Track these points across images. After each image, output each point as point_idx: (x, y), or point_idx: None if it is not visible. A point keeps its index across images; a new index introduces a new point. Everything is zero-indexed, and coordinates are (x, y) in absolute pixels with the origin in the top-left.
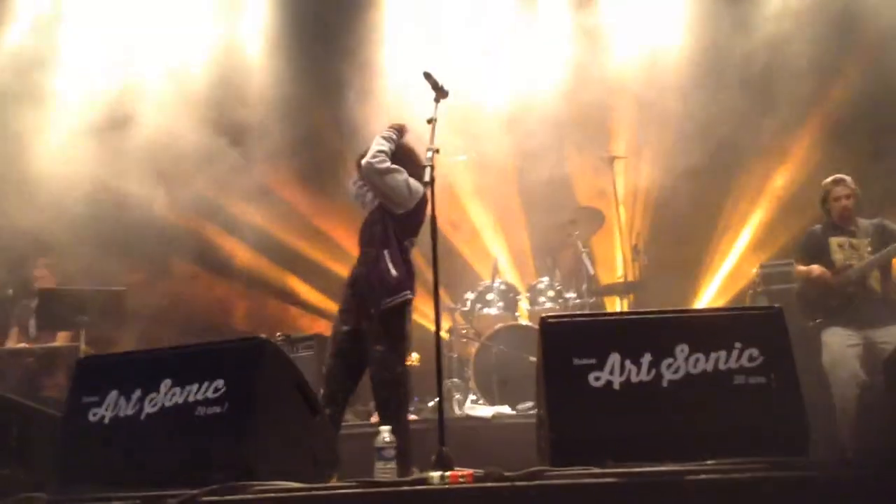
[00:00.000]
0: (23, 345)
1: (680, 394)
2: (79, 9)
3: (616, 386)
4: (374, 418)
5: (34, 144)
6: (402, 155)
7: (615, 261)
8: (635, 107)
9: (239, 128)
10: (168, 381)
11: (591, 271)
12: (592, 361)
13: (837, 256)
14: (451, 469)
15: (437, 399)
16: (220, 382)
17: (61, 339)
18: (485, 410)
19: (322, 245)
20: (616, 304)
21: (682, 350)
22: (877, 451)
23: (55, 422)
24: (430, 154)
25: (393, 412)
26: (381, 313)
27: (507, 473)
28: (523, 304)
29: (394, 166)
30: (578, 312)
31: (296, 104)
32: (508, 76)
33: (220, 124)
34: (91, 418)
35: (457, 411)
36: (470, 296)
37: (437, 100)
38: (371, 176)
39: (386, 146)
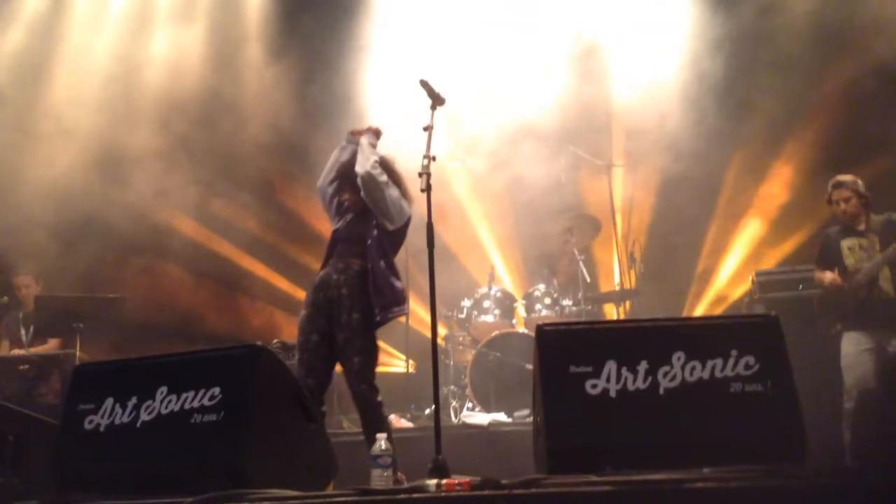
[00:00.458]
0: (17, 352)
1: (676, 402)
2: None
3: (612, 394)
4: None
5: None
6: (385, 168)
7: (612, 268)
8: (633, 114)
9: (226, 130)
10: (164, 389)
11: (588, 279)
12: (589, 369)
13: (849, 261)
14: (448, 477)
15: (433, 407)
16: (216, 390)
17: (52, 346)
18: (481, 418)
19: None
20: (613, 312)
21: (678, 358)
22: (872, 458)
23: (51, 429)
24: (426, 162)
25: (377, 418)
26: (366, 328)
27: (503, 481)
28: (520, 312)
29: (388, 180)
30: (575, 320)
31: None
32: (506, 83)
33: (206, 127)
34: (87, 426)
35: (453, 419)
36: (466, 303)
37: (433, 107)
38: (371, 186)
39: (377, 156)
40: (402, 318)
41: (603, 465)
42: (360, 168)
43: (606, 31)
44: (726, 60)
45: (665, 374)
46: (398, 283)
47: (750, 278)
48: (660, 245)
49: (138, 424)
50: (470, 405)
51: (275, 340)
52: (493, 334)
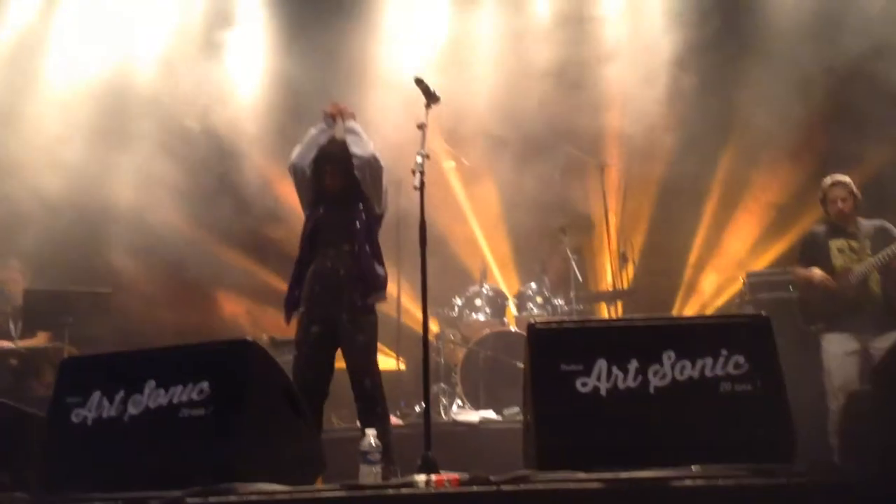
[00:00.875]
0: (5, 345)
1: (666, 400)
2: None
3: (603, 392)
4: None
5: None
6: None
7: (604, 268)
8: (626, 113)
9: (224, 128)
10: (152, 383)
11: (580, 278)
12: (579, 367)
13: (837, 262)
14: (437, 473)
15: (423, 404)
16: (204, 384)
17: (42, 339)
18: (471, 416)
19: None
20: (604, 312)
21: (668, 357)
22: (861, 458)
23: (39, 422)
24: (420, 159)
25: (380, 402)
26: (363, 307)
27: (492, 478)
28: (511, 310)
29: (381, 170)
30: (566, 319)
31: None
32: (497, 81)
33: (203, 123)
34: (74, 419)
35: (443, 417)
36: (458, 301)
37: (428, 105)
38: (374, 170)
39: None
40: (395, 301)
41: (592, 462)
42: (362, 151)
43: (601, 20)
44: (715, 60)
45: (655, 373)
46: (381, 270)
47: (741, 279)
48: (652, 245)
49: (125, 418)
50: (460, 403)
51: (264, 335)
52: (485, 332)
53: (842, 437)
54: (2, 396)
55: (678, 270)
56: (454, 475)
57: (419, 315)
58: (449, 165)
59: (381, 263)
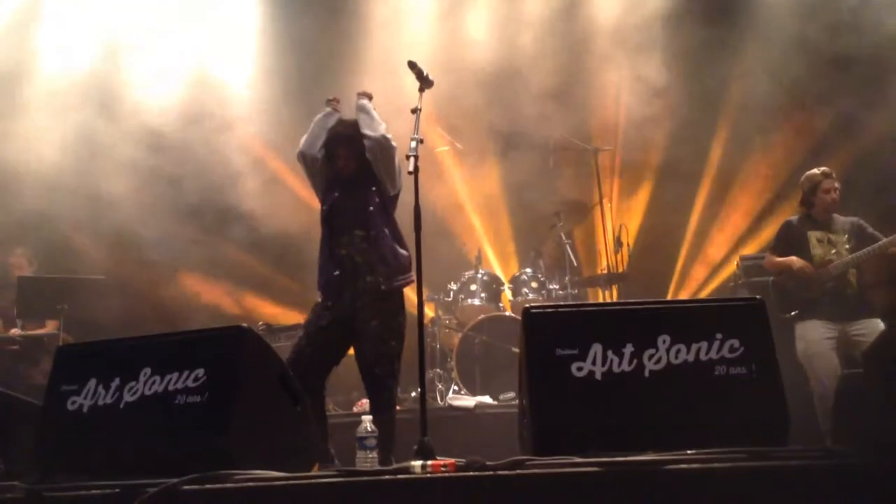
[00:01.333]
0: (15, 331)
1: (661, 384)
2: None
3: (598, 376)
4: (357, 408)
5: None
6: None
7: (599, 252)
8: (620, 99)
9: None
10: (147, 370)
11: (575, 263)
12: (575, 352)
13: (817, 251)
14: (433, 458)
15: (419, 389)
16: (200, 371)
17: (50, 327)
18: (467, 401)
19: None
20: (599, 296)
21: (663, 341)
22: (855, 440)
23: (34, 410)
24: (414, 144)
25: (389, 390)
26: (386, 292)
27: (488, 463)
28: (507, 295)
29: (393, 143)
30: (561, 303)
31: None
32: (492, 66)
33: (201, 116)
34: (70, 407)
35: (439, 402)
36: (453, 286)
37: (421, 90)
38: (386, 149)
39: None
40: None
41: (588, 446)
42: (372, 132)
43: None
44: (705, 44)
45: (650, 357)
46: (403, 251)
47: (735, 263)
48: (646, 229)
49: (121, 406)
50: (456, 388)
51: (260, 323)
52: (480, 318)
53: (835, 420)
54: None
55: (673, 254)
56: (450, 460)
57: (414, 300)
58: (442, 150)
59: (404, 245)
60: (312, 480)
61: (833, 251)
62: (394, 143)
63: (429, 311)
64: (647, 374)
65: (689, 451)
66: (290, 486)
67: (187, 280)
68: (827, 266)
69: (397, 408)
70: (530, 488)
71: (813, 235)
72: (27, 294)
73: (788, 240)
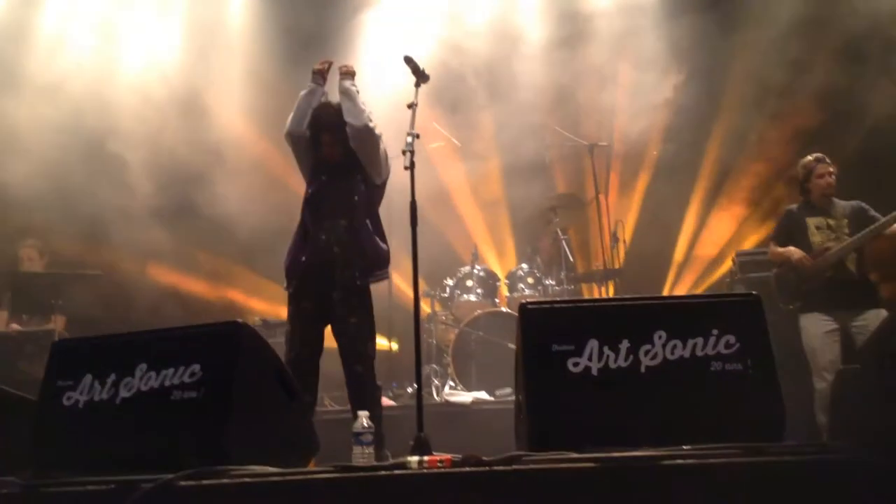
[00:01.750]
0: (15, 326)
1: (657, 380)
2: None
3: (594, 372)
4: None
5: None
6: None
7: (595, 248)
8: (616, 93)
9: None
10: (143, 366)
11: (571, 259)
12: (571, 347)
13: (815, 238)
14: (430, 454)
15: (415, 385)
16: (196, 367)
17: (58, 323)
18: (463, 397)
19: None
20: (595, 292)
21: (659, 336)
22: (851, 436)
23: (29, 406)
24: (410, 139)
25: (369, 388)
26: (360, 287)
27: (485, 458)
28: (503, 291)
29: (378, 129)
30: (557, 299)
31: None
32: (487, 61)
33: (195, 111)
34: (65, 402)
35: (435, 397)
36: (449, 282)
37: (417, 84)
38: (369, 139)
39: (367, 105)
40: (386, 282)
41: (584, 442)
42: (355, 120)
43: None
44: (707, 43)
45: (646, 353)
46: (383, 245)
47: (731, 258)
48: (643, 225)
49: (117, 401)
50: (452, 384)
51: (256, 318)
52: (476, 313)
53: (831, 415)
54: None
55: (669, 250)
56: (447, 456)
57: (411, 295)
58: (438, 145)
59: (384, 239)
60: (309, 476)
61: (833, 237)
62: (378, 132)
63: (425, 307)
64: (643, 369)
65: (685, 447)
66: (287, 481)
67: (182, 277)
68: (824, 254)
69: (393, 403)
70: (526, 484)
71: (811, 222)
72: (23, 289)
73: (788, 228)
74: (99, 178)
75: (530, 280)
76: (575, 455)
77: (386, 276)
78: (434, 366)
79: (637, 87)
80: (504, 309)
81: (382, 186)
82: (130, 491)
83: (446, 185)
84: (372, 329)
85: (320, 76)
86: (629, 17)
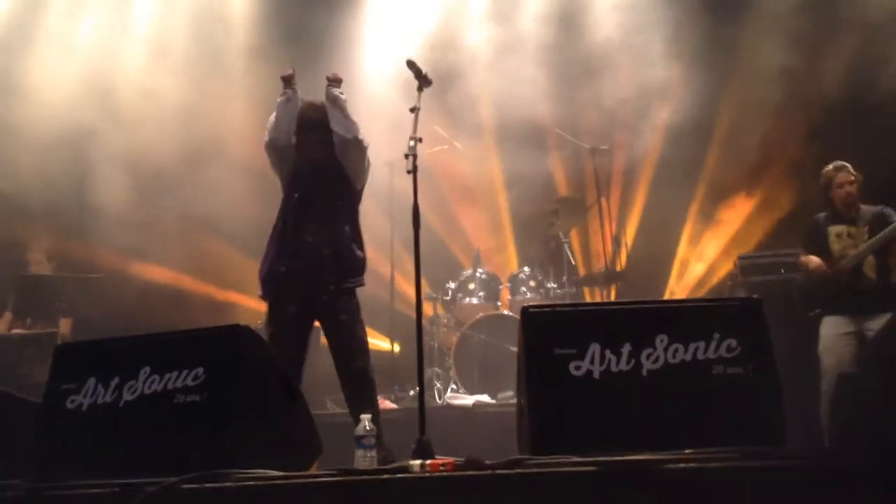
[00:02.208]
0: (17, 330)
1: (659, 383)
2: None
3: (596, 375)
4: None
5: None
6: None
7: (597, 251)
8: (615, 97)
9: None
10: (147, 369)
11: (573, 262)
12: (573, 351)
13: (835, 247)
14: (432, 457)
15: (417, 388)
16: (199, 370)
17: (63, 326)
18: (465, 399)
19: None
20: (598, 295)
21: (661, 340)
22: (851, 439)
23: (33, 409)
24: (412, 143)
25: (370, 385)
26: (338, 290)
27: (487, 462)
28: (505, 294)
29: (365, 142)
30: (559, 303)
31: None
32: (490, 65)
33: (196, 114)
34: (69, 405)
35: (437, 401)
36: (451, 285)
37: (420, 88)
38: (357, 151)
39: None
40: (383, 294)
41: (586, 446)
42: (345, 132)
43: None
44: (709, 43)
45: (648, 357)
46: (359, 252)
47: (733, 262)
48: (644, 228)
49: (121, 404)
50: (454, 387)
51: (259, 321)
52: (478, 316)
53: (831, 419)
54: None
55: (670, 253)
56: (449, 459)
57: (412, 298)
58: (440, 149)
59: (361, 246)
60: (311, 479)
61: (852, 245)
62: (366, 144)
63: (427, 310)
64: (644, 373)
65: (686, 451)
66: (289, 484)
67: (185, 279)
68: (840, 261)
69: (395, 406)
70: (528, 487)
71: (833, 231)
72: (27, 292)
73: (812, 237)
74: (99, 180)
75: (532, 283)
76: (577, 458)
77: (361, 284)
78: (436, 369)
79: (638, 89)
80: (506, 312)
81: (360, 192)
82: (134, 494)
83: (448, 188)
84: (363, 326)
85: (290, 83)
86: (630, 14)
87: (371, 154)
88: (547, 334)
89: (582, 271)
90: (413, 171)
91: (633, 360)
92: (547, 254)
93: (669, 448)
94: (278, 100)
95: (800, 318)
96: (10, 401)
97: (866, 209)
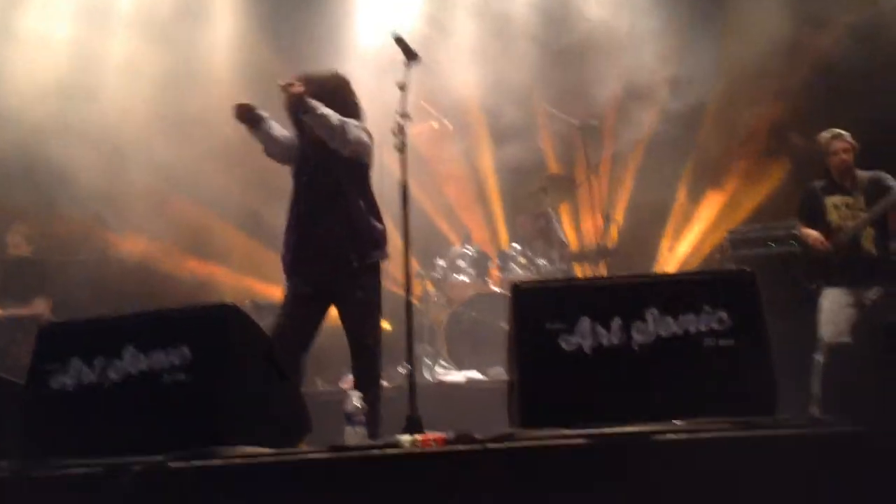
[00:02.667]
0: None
1: (650, 357)
2: None
3: (587, 350)
4: (346, 384)
5: None
6: (346, 99)
7: (587, 227)
8: (606, 73)
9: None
10: (132, 348)
11: (563, 238)
12: (563, 326)
13: (833, 217)
14: (423, 433)
15: (408, 365)
16: (185, 349)
17: (40, 307)
18: (456, 376)
19: None
20: (588, 271)
21: (652, 314)
22: (843, 410)
23: (17, 390)
24: (400, 120)
25: (378, 364)
26: (358, 269)
27: (478, 436)
28: (494, 271)
29: (359, 132)
30: (550, 278)
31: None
32: (476, 41)
33: (184, 94)
34: (54, 386)
35: (428, 378)
36: (441, 263)
37: (407, 64)
38: (364, 149)
39: (336, 116)
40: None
41: (576, 419)
42: (343, 148)
43: None
44: (702, 18)
45: (639, 330)
46: (378, 225)
47: (723, 236)
48: (634, 204)
49: (106, 384)
50: (445, 364)
51: (246, 300)
52: (468, 294)
53: (823, 388)
54: None
55: (661, 229)
56: (439, 435)
57: (402, 276)
58: (429, 127)
59: (379, 218)
60: (300, 456)
61: (850, 215)
62: (367, 140)
63: (417, 288)
64: (635, 347)
65: (677, 423)
66: (279, 462)
67: (174, 258)
68: (838, 234)
69: (386, 384)
70: (519, 461)
71: (830, 201)
72: (8, 276)
73: (809, 207)
74: (84, 158)
75: (522, 260)
76: (567, 432)
77: (385, 256)
78: (426, 346)
79: (629, 64)
80: (496, 289)
81: (368, 165)
82: (121, 473)
83: (437, 166)
84: (378, 305)
85: (249, 118)
86: None
87: None
88: (537, 309)
89: (572, 248)
90: (402, 148)
91: (623, 334)
92: (537, 231)
93: (660, 420)
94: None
95: (793, 290)
96: None
97: (862, 175)
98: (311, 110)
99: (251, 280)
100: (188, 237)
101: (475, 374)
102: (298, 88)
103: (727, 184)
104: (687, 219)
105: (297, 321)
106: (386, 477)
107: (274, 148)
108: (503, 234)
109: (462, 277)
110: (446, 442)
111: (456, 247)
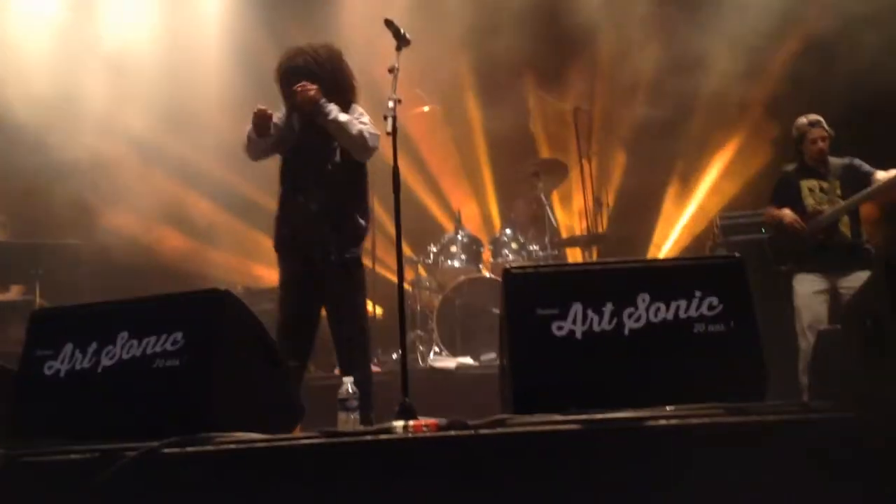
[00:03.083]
0: None
1: (641, 342)
2: None
3: (578, 335)
4: (338, 370)
5: None
6: (338, 69)
7: (579, 212)
8: (598, 57)
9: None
10: (125, 334)
11: (555, 224)
12: (555, 311)
13: (809, 201)
14: (415, 419)
15: (400, 351)
16: (178, 335)
17: (14, 292)
18: (448, 362)
19: None
20: (579, 256)
21: (643, 299)
22: (831, 396)
23: (7, 375)
24: (391, 104)
25: (365, 349)
26: (337, 263)
27: (470, 422)
28: (487, 256)
29: (375, 139)
30: (541, 263)
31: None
32: (467, 23)
33: (176, 80)
34: (46, 371)
35: (420, 363)
36: (433, 248)
37: (398, 48)
38: (374, 144)
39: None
40: (367, 248)
41: (568, 404)
42: (361, 156)
43: None
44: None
45: (630, 316)
46: (361, 221)
47: (714, 222)
48: (626, 189)
49: (99, 370)
50: (437, 349)
51: (238, 286)
52: (460, 279)
53: (812, 375)
54: None
55: (652, 214)
56: (432, 420)
57: (394, 262)
58: (420, 110)
59: (362, 211)
60: (294, 442)
61: (826, 199)
62: (376, 143)
63: (409, 273)
64: (626, 332)
65: (668, 408)
66: (272, 447)
67: (166, 241)
68: (816, 217)
69: (378, 370)
70: (511, 446)
71: (805, 185)
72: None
73: (783, 191)
74: (73, 136)
75: (514, 245)
76: (559, 417)
77: (356, 255)
78: (419, 332)
79: (621, 47)
80: (488, 274)
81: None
82: (114, 459)
83: (429, 150)
84: (361, 295)
85: (262, 128)
86: None
87: None
88: (529, 295)
89: (564, 233)
90: (392, 132)
91: (615, 320)
92: (529, 216)
93: (651, 406)
94: (249, 132)
95: (773, 274)
96: None
97: (835, 161)
98: (327, 115)
99: (244, 264)
100: (176, 218)
101: (467, 360)
102: (315, 94)
103: (719, 168)
104: (678, 204)
105: (302, 302)
106: (378, 462)
107: (256, 155)
108: (495, 219)
109: (454, 263)
110: (439, 428)
111: (448, 232)
